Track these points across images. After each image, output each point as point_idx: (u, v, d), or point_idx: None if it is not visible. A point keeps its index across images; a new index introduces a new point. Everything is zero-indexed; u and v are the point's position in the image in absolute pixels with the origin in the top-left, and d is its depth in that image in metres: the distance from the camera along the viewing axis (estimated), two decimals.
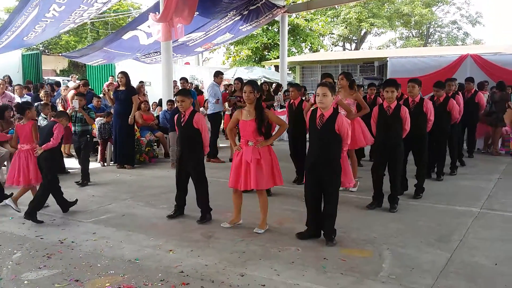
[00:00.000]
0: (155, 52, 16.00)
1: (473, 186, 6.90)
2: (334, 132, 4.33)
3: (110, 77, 16.94)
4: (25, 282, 3.67)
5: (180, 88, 10.74)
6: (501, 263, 3.95)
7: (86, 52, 14.61)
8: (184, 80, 11.46)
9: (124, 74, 8.97)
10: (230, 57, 26.43)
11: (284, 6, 15.69)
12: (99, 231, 4.97)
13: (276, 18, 16.83)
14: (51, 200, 5.67)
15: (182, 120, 5.25)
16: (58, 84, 13.23)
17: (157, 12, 10.88)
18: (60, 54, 20.85)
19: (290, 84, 12.55)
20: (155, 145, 9.94)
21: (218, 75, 9.70)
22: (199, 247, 4.43)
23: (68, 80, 17.22)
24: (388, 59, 14.57)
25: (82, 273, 3.84)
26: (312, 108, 4.79)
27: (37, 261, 4.11)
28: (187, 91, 5.57)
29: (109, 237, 4.76)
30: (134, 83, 12.29)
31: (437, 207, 5.81)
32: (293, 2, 16.79)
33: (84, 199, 6.40)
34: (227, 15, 14.16)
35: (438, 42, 37.25)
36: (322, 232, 4.56)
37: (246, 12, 14.50)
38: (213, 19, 13.87)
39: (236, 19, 14.67)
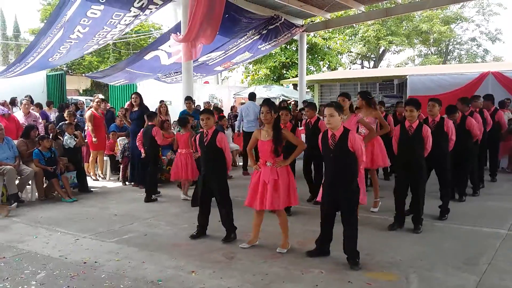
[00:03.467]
0: (175, 72, 16.22)
1: (499, 207, 6.74)
2: (347, 150, 4.34)
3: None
4: None
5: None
6: None
7: (109, 72, 14.91)
8: (189, 100, 10.46)
9: (138, 95, 9.15)
10: (248, 75, 26.63)
11: (302, 25, 15.83)
12: (122, 250, 4.99)
13: (295, 37, 16.98)
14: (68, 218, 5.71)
15: (205, 139, 5.26)
16: (78, 103, 13.49)
17: (178, 33, 11.09)
18: (83, 75, 21.29)
19: (305, 102, 12.58)
20: None
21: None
22: (221, 268, 4.41)
23: (91, 100, 17.54)
24: (407, 76, 14.50)
25: None
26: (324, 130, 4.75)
27: (61, 281, 4.13)
28: (211, 110, 5.64)
29: (132, 257, 4.77)
30: (155, 102, 12.49)
31: (462, 228, 5.69)
32: (311, 22, 16.86)
33: (107, 218, 6.46)
34: (246, 34, 14.33)
35: (458, 59, 36.96)
36: (346, 256, 4.48)
37: (265, 32, 14.66)
38: (232, 38, 14.05)
39: (255, 38, 14.83)
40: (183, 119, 7.97)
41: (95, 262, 4.64)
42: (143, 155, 8.01)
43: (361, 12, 14.94)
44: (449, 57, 36.58)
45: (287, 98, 18.68)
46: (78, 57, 20.34)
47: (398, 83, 16.40)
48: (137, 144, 8.15)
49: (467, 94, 12.86)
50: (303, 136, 7.13)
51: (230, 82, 31.42)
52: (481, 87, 12.72)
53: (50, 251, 5.00)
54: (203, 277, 4.18)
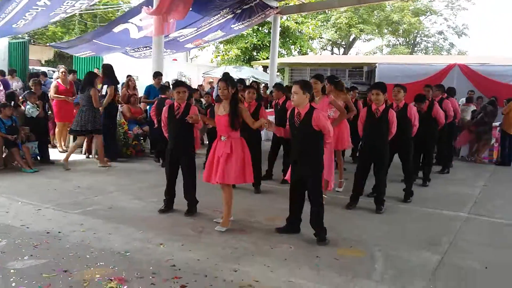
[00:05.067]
0: (144, 47, 15.85)
1: (459, 192, 6.98)
2: (312, 128, 4.34)
3: (96, 70, 16.73)
4: (12, 271, 3.56)
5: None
6: (491, 267, 3.99)
7: (75, 43, 14.40)
8: (159, 76, 10.12)
9: (102, 67, 8.87)
10: (218, 55, 26.32)
11: (277, 7, 15.70)
12: (86, 222, 4.86)
13: (268, 19, 16.84)
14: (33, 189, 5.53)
15: (177, 112, 5.15)
16: (44, 74, 12.97)
17: (150, 6, 10.78)
18: (48, 44, 20.47)
19: (274, 85, 12.59)
20: (141, 139, 9.78)
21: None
22: (190, 241, 4.37)
23: (54, 71, 16.93)
24: (377, 64, 14.67)
25: (70, 263, 3.74)
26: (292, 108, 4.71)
27: (23, 250, 3.98)
28: (185, 83, 5.49)
29: (97, 229, 4.66)
30: (122, 77, 12.16)
31: (425, 210, 5.87)
32: (286, 4, 16.74)
33: (70, 190, 6.28)
34: (220, 12, 14.10)
35: (424, 51, 37.73)
36: (313, 233, 4.53)
37: (239, 11, 14.47)
38: (205, 15, 13.80)
39: (229, 17, 14.61)
40: (164, 87, 8.57)
41: (59, 232, 4.50)
42: (155, 125, 8.14)
43: None
44: (416, 48, 37.29)
45: (257, 80, 18.60)
46: (44, 25, 19.55)
47: (367, 71, 16.60)
48: (151, 114, 8.41)
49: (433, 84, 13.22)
50: (272, 118, 7.11)
51: (199, 61, 30.96)
52: (446, 78, 13.00)
53: (11, 221, 4.81)
54: (171, 250, 4.13)
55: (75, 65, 18.89)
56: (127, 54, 16.66)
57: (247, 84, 10.13)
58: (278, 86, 7.58)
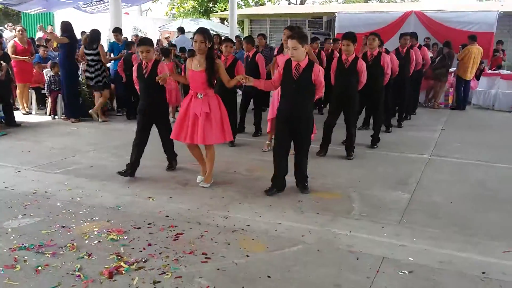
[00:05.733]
0: (98, 1, 15.27)
1: (420, 136, 7.44)
2: (311, 82, 4.31)
3: (49, 27, 16.00)
4: (9, 230, 3.65)
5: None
6: (455, 201, 4.43)
7: None
8: (118, 32, 9.64)
9: (61, 24, 8.56)
10: (173, 8, 25.59)
11: None
12: (70, 181, 4.94)
13: None
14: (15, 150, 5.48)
15: (144, 71, 4.94)
16: None
17: None
18: None
19: (238, 37, 12.54)
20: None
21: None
22: (177, 194, 4.56)
23: (2, 30, 16.06)
24: (336, 14, 14.80)
25: (66, 220, 3.86)
26: (287, 59, 4.50)
27: (15, 210, 4.06)
28: (151, 40, 5.21)
29: (83, 186, 4.75)
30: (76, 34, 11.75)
31: (391, 155, 6.27)
32: None
33: (44, 151, 6.26)
34: None
35: None
36: (295, 181, 4.70)
37: None
38: None
39: None
40: (165, 50, 8.95)
41: (46, 192, 4.58)
42: (124, 80, 8.56)
43: None
44: None
45: (216, 33, 18.33)
46: None
47: (326, 20, 16.73)
48: (118, 70, 8.68)
49: (391, 33, 13.55)
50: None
51: (154, 14, 29.97)
52: (404, 26, 13.35)
53: None
54: (161, 202, 4.32)
55: (24, 22, 18.00)
56: (80, 9, 16.02)
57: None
58: (248, 38, 7.61)
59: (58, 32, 10.32)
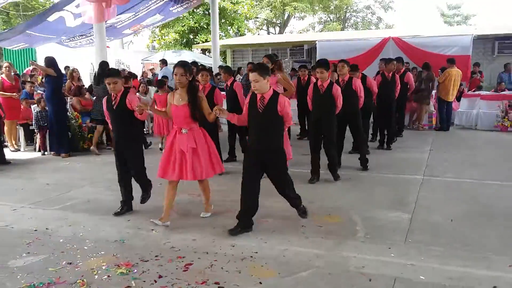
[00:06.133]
0: (80, 36, 15.35)
1: (410, 158, 7.59)
2: (276, 114, 4.17)
3: (31, 62, 15.98)
4: (15, 269, 3.60)
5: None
6: (454, 219, 4.53)
7: (7, 36, 13.60)
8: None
9: (45, 59, 8.59)
10: (154, 40, 25.83)
11: None
12: (70, 217, 4.89)
13: (206, 0, 16.79)
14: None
15: (113, 103, 4.77)
16: None
17: None
18: None
19: (221, 68, 12.75)
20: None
21: None
22: (179, 225, 4.55)
23: None
24: (317, 42, 15.18)
25: (72, 256, 3.82)
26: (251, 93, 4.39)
27: (18, 249, 4.00)
28: (118, 72, 5.07)
29: (83, 222, 4.71)
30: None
31: (386, 176, 6.38)
32: None
33: (39, 188, 6.19)
34: None
35: (354, 26, 39.02)
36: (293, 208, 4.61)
37: None
38: (144, 0, 13.58)
39: (167, 0, 14.46)
40: (161, 81, 9.11)
41: (46, 228, 4.52)
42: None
43: None
44: (346, 24, 38.46)
45: (199, 63, 18.55)
46: None
47: (307, 48, 17.10)
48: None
49: (371, 59, 13.96)
50: (224, 102, 7.27)
51: (136, 47, 30.18)
52: (383, 52, 13.77)
53: None
54: (164, 234, 4.31)
55: (6, 58, 17.93)
56: (62, 44, 16.04)
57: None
58: (225, 68, 7.76)
59: None
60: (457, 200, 5.21)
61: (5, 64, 9.17)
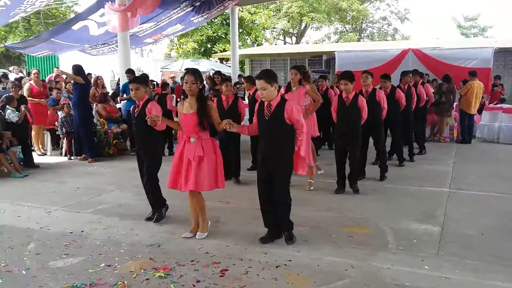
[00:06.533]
0: (102, 44, 15.62)
1: (434, 170, 7.58)
2: (283, 121, 4.05)
3: (55, 69, 16.29)
4: (55, 270, 3.70)
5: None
6: (485, 233, 4.53)
7: (32, 43, 13.97)
8: (130, 73, 9.71)
9: (72, 67, 8.77)
10: (173, 49, 26.15)
11: None
12: (103, 220, 5.00)
13: (226, 11, 17.00)
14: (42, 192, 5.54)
15: (136, 110, 4.82)
16: (5, 76, 12.57)
17: (110, 1, 10.71)
18: (3, 45, 19.62)
19: (240, 77, 12.91)
20: (121, 137, 9.78)
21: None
22: (211, 231, 4.59)
23: (6, 73, 16.35)
24: (336, 53, 15.25)
25: (109, 258, 3.91)
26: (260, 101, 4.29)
27: (57, 250, 4.11)
28: (142, 78, 5.12)
29: (117, 225, 4.81)
30: None
31: (411, 188, 6.39)
32: None
33: (69, 191, 6.33)
34: (180, 6, 14.15)
35: (370, 37, 39.08)
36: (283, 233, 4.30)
37: (198, 3, 14.56)
38: (166, 9, 13.81)
39: (188, 10, 14.66)
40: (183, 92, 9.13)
41: (82, 231, 4.63)
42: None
43: None
44: (362, 34, 38.54)
45: (216, 71, 18.75)
46: (1, 25, 18.89)
47: (326, 59, 17.19)
48: None
49: (390, 70, 13.91)
50: (247, 110, 7.36)
51: (155, 55, 30.61)
52: (402, 63, 13.76)
53: (28, 224, 4.88)
54: (198, 239, 4.37)
55: (29, 65, 18.33)
56: (84, 52, 16.34)
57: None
58: (247, 78, 7.89)
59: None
60: (486, 213, 5.20)
61: (34, 71, 9.39)
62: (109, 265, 3.76)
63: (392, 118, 7.40)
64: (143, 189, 5.07)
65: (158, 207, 5.00)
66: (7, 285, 3.45)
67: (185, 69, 4.48)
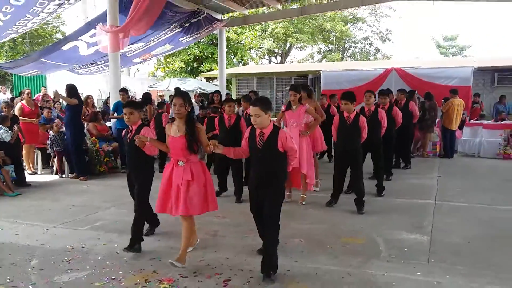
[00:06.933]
0: (91, 63, 15.75)
1: (420, 184, 7.85)
2: (276, 150, 3.97)
3: (42, 88, 16.36)
4: (61, 284, 3.79)
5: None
6: (472, 241, 4.76)
7: (21, 63, 14.02)
8: (124, 91, 10.03)
9: (66, 86, 8.87)
10: (159, 68, 26.35)
11: (222, 20, 16.24)
12: (102, 236, 5.09)
13: (214, 32, 17.33)
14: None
15: (129, 135, 4.69)
16: None
17: (101, 23, 10.91)
18: None
19: (228, 95, 13.19)
20: (111, 155, 9.85)
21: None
22: (210, 244, 4.75)
23: None
24: (321, 72, 15.63)
25: (113, 272, 4.02)
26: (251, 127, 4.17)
27: (60, 265, 4.20)
28: (136, 103, 4.98)
29: (116, 241, 4.91)
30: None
31: (399, 201, 6.62)
32: (231, 17, 17.34)
33: (65, 209, 6.40)
34: (169, 27, 14.41)
35: (353, 56, 39.88)
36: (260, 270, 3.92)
37: (187, 25, 14.83)
38: (155, 31, 14.04)
39: (177, 30, 14.92)
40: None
41: (82, 247, 4.72)
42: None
43: (278, 9, 15.77)
44: (345, 54, 39.33)
45: (204, 91, 18.98)
46: None
47: (312, 78, 17.55)
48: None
49: (374, 88, 14.31)
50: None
51: (141, 74, 30.75)
52: (386, 82, 14.22)
53: (27, 241, 4.94)
54: (198, 252, 4.50)
55: (15, 84, 18.34)
56: (73, 72, 16.43)
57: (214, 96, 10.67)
58: (245, 97, 8.13)
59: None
60: (472, 223, 5.44)
61: (27, 91, 9.49)
62: (114, 278, 3.87)
63: (387, 135, 7.44)
64: None
65: (136, 238, 4.61)
66: None
67: (174, 90, 4.37)
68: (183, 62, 23.40)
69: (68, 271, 4.07)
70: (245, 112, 7.77)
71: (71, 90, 8.80)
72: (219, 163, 7.18)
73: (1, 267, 4.19)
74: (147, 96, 9.76)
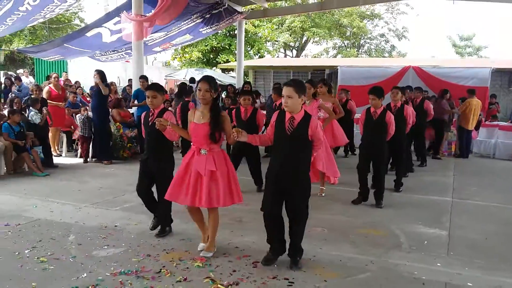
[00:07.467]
0: (112, 51, 15.98)
1: (437, 181, 8.00)
2: (306, 137, 3.80)
3: (64, 73, 16.64)
4: (101, 258, 4.03)
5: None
6: (489, 238, 4.93)
7: (45, 47, 14.29)
8: (143, 78, 10.24)
9: (99, 72, 9.07)
10: (175, 58, 26.57)
11: (242, 12, 16.39)
12: (132, 217, 5.34)
13: (234, 24, 17.49)
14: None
15: (150, 119, 4.57)
16: (18, 78, 12.90)
17: (124, 11, 11.15)
18: (16, 49, 19.95)
19: (273, 88, 13.45)
20: (134, 141, 10.10)
21: None
22: (236, 228, 4.97)
23: (11, 75, 16.69)
24: (338, 67, 15.72)
25: (148, 249, 4.26)
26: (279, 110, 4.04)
27: (97, 241, 4.44)
28: (160, 86, 4.81)
29: (146, 222, 5.10)
30: (89, 80, 12.47)
31: (416, 197, 6.78)
32: (251, 9, 17.47)
33: (93, 190, 6.66)
34: (191, 17, 14.60)
35: (368, 53, 39.77)
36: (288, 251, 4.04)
37: (208, 16, 14.99)
38: (177, 20, 14.23)
39: (198, 21, 15.10)
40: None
41: (115, 226, 4.97)
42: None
43: (297, 3, 15.88)
44: (360, 50, 39.24)
45: (221, 82, 19.18)
46: (20, 29, 19.35)
47: (329, 73, 17.65)
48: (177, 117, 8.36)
49: (390, 86, 14.39)
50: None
51: (158, 63, 31.00)
52: (402, 80, 14.27)
53: (62, 218, 5.20)
54: (225, 235, 4.71)
55: (37, 68, 18.65)
56: (94, 58, 16.65)
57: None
58: (276, 89, 8.24)
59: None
60: (488, 221, 5.60)
61: (54, 75, 9.76)
62: (149, 255, 4.11)
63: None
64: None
65: (166, 223, 4.77)
66: (58, 271, 3.77)
67: (189, 80, 4.34)
68: (200, 53, 23.58)
69: (105, 247, 4.31)
70: (274, 104, 7.86)
71: (103, 76, 9.01)
72: (236, 154, 6.94)
73: (40, 240, 4.44)
74: (183, 87, 9.91)
